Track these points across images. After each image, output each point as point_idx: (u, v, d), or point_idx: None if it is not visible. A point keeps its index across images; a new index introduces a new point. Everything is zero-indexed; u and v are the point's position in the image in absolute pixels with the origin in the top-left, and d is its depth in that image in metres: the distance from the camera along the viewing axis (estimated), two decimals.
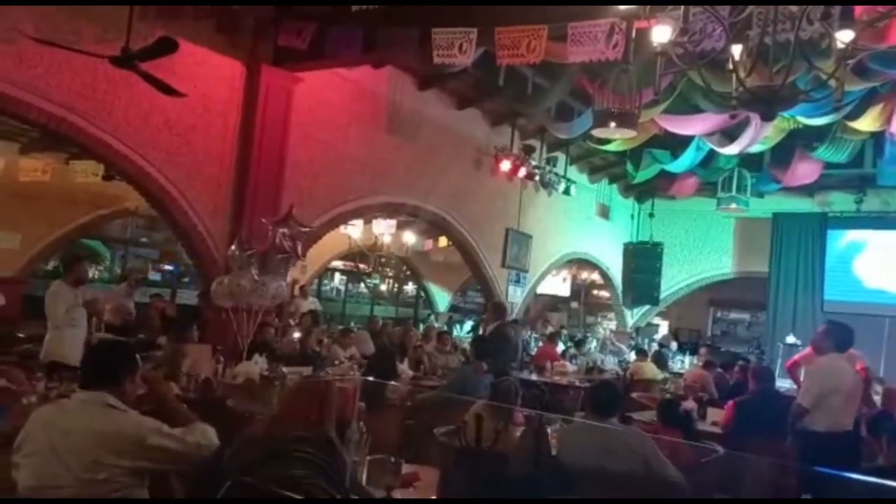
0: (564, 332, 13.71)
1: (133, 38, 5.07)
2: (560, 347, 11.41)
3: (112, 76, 5.76)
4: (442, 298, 16.40)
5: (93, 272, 13.81)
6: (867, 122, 7.92)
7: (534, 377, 8.50)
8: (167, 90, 5.31)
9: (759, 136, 8.76)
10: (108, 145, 6.25)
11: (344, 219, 9.03)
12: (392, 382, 6.13)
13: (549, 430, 4.01)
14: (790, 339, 11.15)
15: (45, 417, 2.45)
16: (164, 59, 5.01)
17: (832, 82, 4.31)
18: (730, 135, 9.27)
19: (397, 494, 2.96)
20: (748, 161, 11.23)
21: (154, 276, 14.36)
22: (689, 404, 5.86)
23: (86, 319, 5.81)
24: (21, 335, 7.31)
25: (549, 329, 13.80)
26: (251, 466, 2.01)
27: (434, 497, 3.04)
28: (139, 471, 2.36)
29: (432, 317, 15.29)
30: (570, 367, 9.45)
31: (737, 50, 3.73)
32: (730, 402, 5.66)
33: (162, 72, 5.27)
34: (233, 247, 6.07)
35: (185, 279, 13.91)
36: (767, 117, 4.86)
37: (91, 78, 5.93)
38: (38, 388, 3.94)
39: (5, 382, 3.90)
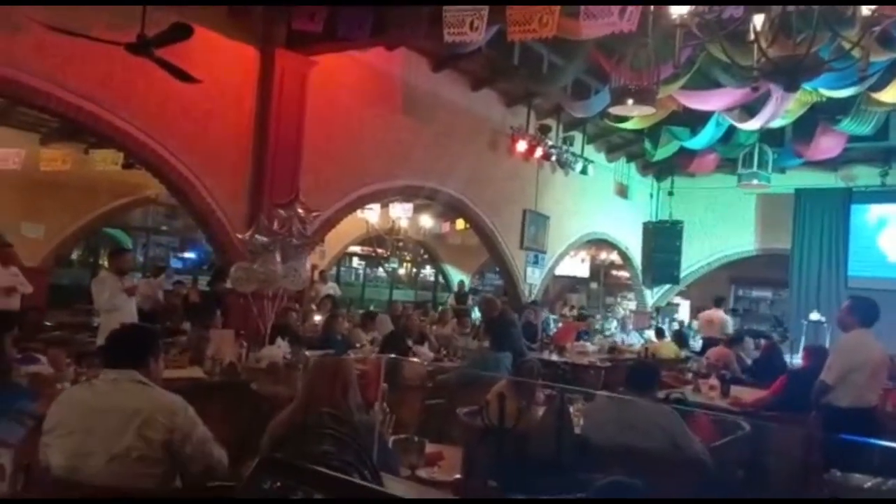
0: (584, 312, 13.67)
1: (147, 25, 5.08)
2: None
3: (128, 64, 5.77)
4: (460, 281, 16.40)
5: None
6: (892, 94, 7.74)
7: (554, 357, 8.49)
8: (183, 76, 5.31)
9: (780, 110, 8.60)
10: (126, 133, 6.29)
11: (361, 203, 9.04)
12: (411, 359, 6.19)
13: (571, 409, 4.02)
14: (814, 315, 11.01)
15: (77, 397, 2.50)
16: (178, 45, 5.01)
17: (857, 52, 4.21)
18: (750, 109, 9.11)
19: (422, 473, 2.98)
20: (769, 136, 11.04)
21: (175, 263, 14.54)
22: (713, 382, 5.82)
23: (133, 305, 6.00)
24: (48, 323, 7.44)
25: (565, 310, 13.78)
26: (280, 443, 2.05)
27: (458, 476, 3.06)
28: (168, 446, 2.37)
29: (450, 299, 15.31)
30: (591, 347, 9.42)
31: (758, 20, 3.66)
32: (782, 376, 5.63)
33: (177, 58, 5.27)
34: (249, 232, 6.10)
35: (205, 266, 14.05)
36: (791, 88, 4.77)
37: (108, 66, 5.95)
38: (68, 374, 4.02)
39: (38, 368, 3.98)
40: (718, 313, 11.04)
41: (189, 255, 15.65)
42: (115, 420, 2.34)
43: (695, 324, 13.09)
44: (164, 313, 8.06)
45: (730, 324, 10.91)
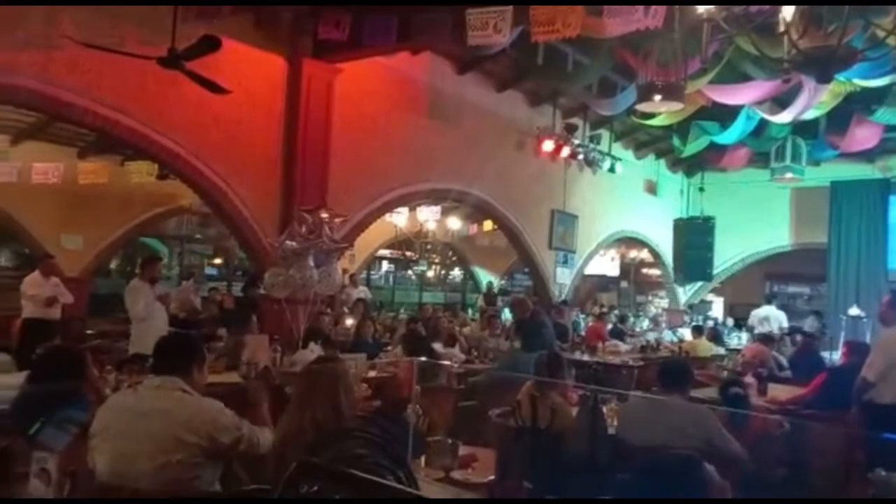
0: (616, 312, 13.54)
1: (177, 39, 5.20)
2: (608, 326, 11.29)
3: (160, 77, 5.91)
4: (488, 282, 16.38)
5: None
6: None
7: (586, 357, 8.43)
8: (213, 88, 5.42)
9: (813, 102, 8.40)
10: (160, 145, 6.45)
11: (390, 207, 9.10)
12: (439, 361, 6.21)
13: (604, 409, 4.00)
14: (854, 310, 10.75)
15: (121, 402, 2.59)
16: (208, 57, 5.11)
17: (891, 40, 4.11)
18: (781, 102, 8.92)
19: (456, 475, 3.00)
20: (802, 128, 10.78)
21: (210, 270, 14.81)
22: (749, 380, 5.72)
23: (164, 313, 6.14)
24: (89, 331, 7.63)
25: (595, 309, 13.68)
26: (314, 447, 2.08)
27: (492, 477, 3.06)
28: (211, 452, 2.44)
29: (479, 301, 15.31)
30: (623, 347, 9.33)
31: (788, 11, 3.59)
32: (821, 373, 5.52)
33: (207, 70, 5.38)
34: (281, 238, 6.18)
35: (239, 273, 14.28)
36: (823, 80, 4.67)
37: (141, 80, 6.10)
38: (109, 381, 4.13)
39: None
40: (771, 309, 11.68)
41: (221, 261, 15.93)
42: (157, 425, 2.41)
43: (729, 321, 12.95)
44: (202, 321, 8.20)
45: (783, 319, 11.40)
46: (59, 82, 5.74)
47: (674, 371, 3.79)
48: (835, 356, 8.39)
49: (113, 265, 13.35)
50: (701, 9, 3.76)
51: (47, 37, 5.60)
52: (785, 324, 11.24)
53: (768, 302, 12.32)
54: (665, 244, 14.16)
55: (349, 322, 8.25)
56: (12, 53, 5.46)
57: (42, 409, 2.58)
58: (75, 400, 2.67)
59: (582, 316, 12.75)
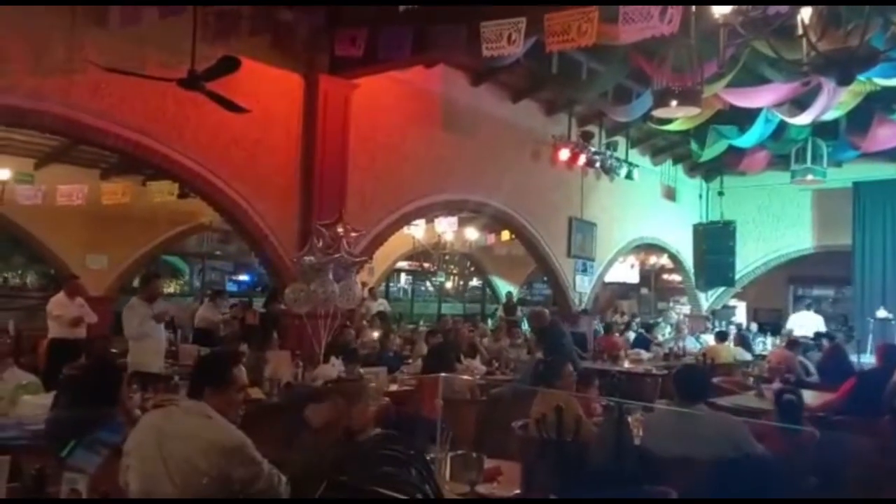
0: (637, 320, 13.41)
1: (197, 60, 5.28)
2: (630, 335, 11.20)
3: (179, 98, 6.02)
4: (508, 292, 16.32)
5: (173, 286, 14.56)
6: None
7: (608, 366, 8.35)
8: (232, 107, 5.49)
9: (832, 103, 8.30)
10: (181, 165, 6.55)
11: (407, 219, 9.12)
12: (461, 376, 6.19)
13: (629, 419, 3.94)
14: (881, 313, 10.57)
15: (153, 422, 2.61)
16: (226, 77, 5.19)
17: None
18: (800, 103, 8.83)
19: (481, 489, 2.98)
20: (822, 129, 10.65)
21: (231, 286, 14.94)
22: (777, 386, 5.63)
23: (161, 331, 6.11)
24: (114, 350, 7.71)
25: (616, 317, 13.57)
26: (344, 466, 2.08)
27: (518, 491, 3.04)
28: (219, 483, 2.41)
29: (499, 311, 15.26)
30: (645, 355, 9.24)
31: (806, 13, 3.56)
32: (851, 378, 5.42)
33: (225, 90, 5.46)
34: (299, 254, 6.21)
35: (259, 288, 14.38)
36: (844, 81, 4.62)
37: (161, 102, 6.21)
38: (135, 400, 4.18)
39: None
40: (809, 314, 12.15)
41: (243, 277, 16.07)
42: (178, 448, 2.42)
43: (753, 326, 12.80)
44: (223, 337, 8.25)
45: (820, 323, 11.77)
46: (82, 106, 5.86)
47: (690, 380, 3.71)
48: (863, 359, 8.25)
49: (136, 283, 13.52)
50: (717, 14, 3.74)
51: (70, 61, 5.72)
52: (822, 327, 11.31)
53: (807, 308, 12.69)
54: (685, 250, 14.03)
55: (375, 335, 8.29)
56: (37, 79, 5.59)
57: (74, 430, 2.60)
58: (107, 422, 2.69)
59: (603, 325, 12.65)
